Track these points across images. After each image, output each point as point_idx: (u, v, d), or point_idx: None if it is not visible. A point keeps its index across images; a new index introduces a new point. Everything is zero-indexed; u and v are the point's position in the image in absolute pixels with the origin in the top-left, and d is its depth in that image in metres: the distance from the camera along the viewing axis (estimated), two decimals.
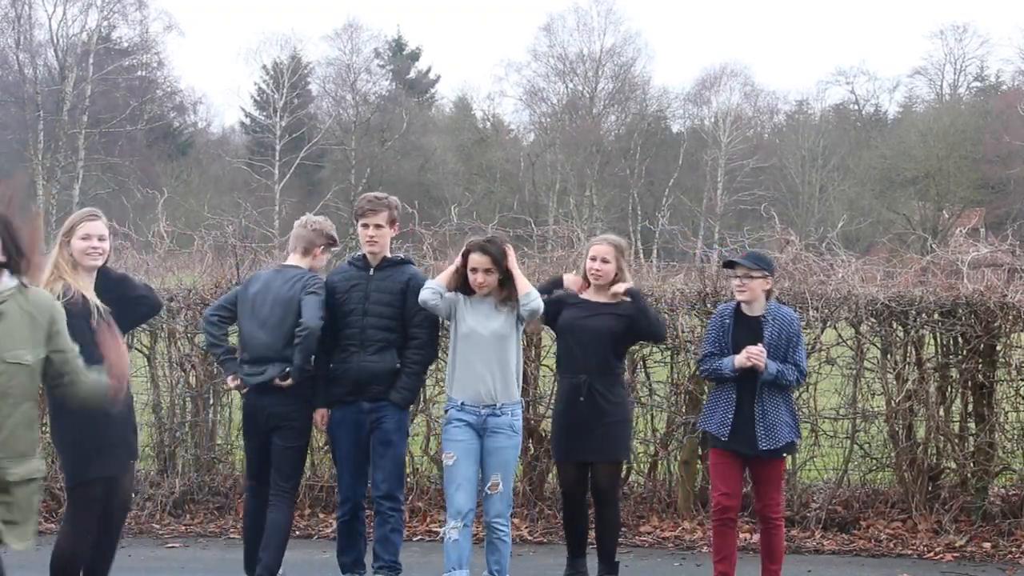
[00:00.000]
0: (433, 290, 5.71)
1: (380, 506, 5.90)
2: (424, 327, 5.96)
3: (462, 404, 5.74)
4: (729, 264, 5.92)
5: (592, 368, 5.94)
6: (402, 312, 5.88)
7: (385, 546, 5.90)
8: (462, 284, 5.75)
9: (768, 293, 5.82)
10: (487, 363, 5.70)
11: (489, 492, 5.77)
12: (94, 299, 5.05)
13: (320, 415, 5.95)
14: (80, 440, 5.02)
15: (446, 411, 5.86)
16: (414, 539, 7.27)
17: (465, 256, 5.73)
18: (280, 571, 5.79)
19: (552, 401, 7.15)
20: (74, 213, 5.39)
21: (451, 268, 5.83)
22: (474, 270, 5.68)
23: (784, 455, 5.85)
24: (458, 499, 5.65)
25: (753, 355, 5.62)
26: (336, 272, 6.08)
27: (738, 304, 5.84)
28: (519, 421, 5.85)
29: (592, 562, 6.17)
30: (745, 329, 5.76)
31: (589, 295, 6.09)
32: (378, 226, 5.91)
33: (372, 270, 5.94)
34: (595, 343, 5.94)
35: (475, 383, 5.70)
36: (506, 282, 5.70)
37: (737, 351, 5.69)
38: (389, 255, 6.03)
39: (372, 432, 5.90)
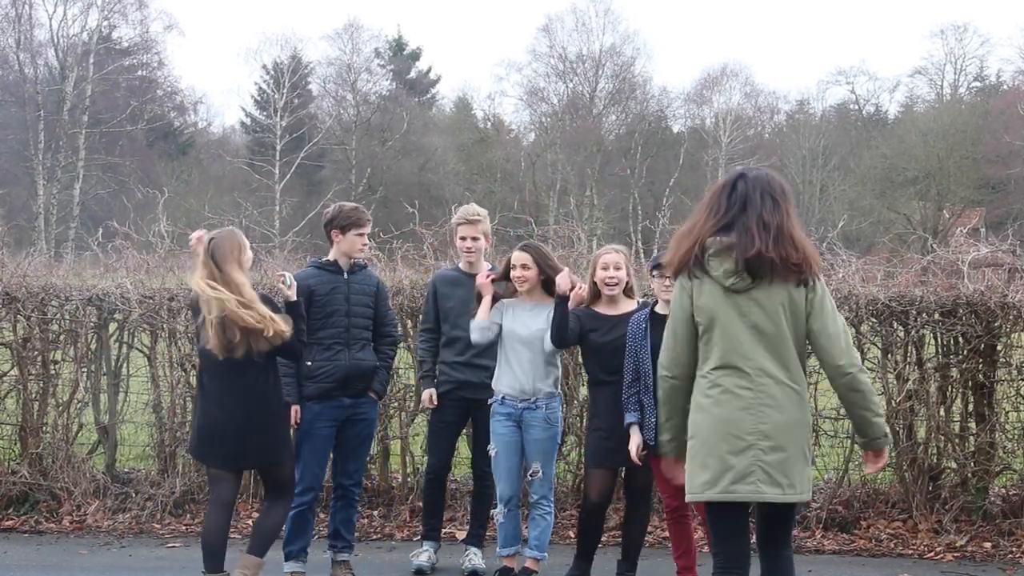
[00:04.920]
0: (483, 328, 6.14)
1: (350, 492, 6.36)
2: (394, 325, 6.60)
3: (503, 398, 6.16)
4: (657, 266, 5.83)
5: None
6: (375, 312, 6.35)
7: (348, 527, 6.39)
8: (512, 291, 6.23)
9: None
10: (525, 361, 6.12)
11: (531, 478, 6.21)
12: None
13: (295, 411, 6.12)
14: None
15: (490, 404, 6.22)
16: (414, 539, 7.23)
17: (509, 259, 6.24)
18: None
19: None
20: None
21: (486, 301, 6.19)
22: (514, 267, 6.16)
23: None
24: (502, 489, 6.21)
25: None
26: (308, 276, 6.19)
27: (652, 308, 5.84)
28: (555, 413, 6.21)
29: (595, 564, 6.18)
30: (662, 329, 5.60)
31: (603, 308, 6.04)
32: (368, 235, 6.37)
33: (346, 273, 6.27)
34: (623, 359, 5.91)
35: (513, 379, 6.12)
36: (548, 285, 6.12)
37: (657, 350, 5.17)
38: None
39: (348, 425, 6.24)
